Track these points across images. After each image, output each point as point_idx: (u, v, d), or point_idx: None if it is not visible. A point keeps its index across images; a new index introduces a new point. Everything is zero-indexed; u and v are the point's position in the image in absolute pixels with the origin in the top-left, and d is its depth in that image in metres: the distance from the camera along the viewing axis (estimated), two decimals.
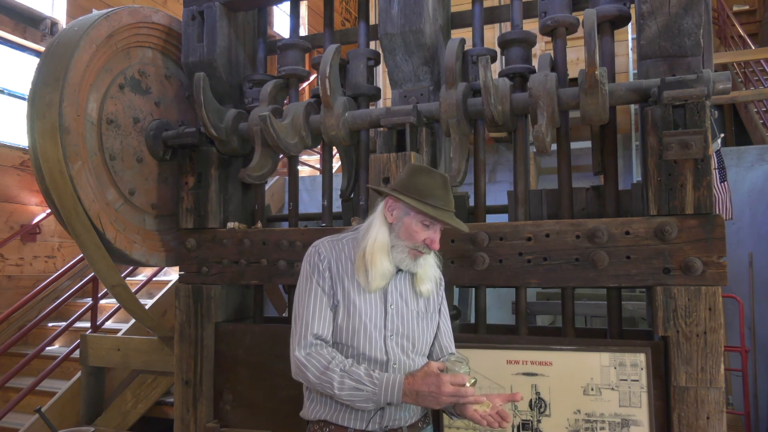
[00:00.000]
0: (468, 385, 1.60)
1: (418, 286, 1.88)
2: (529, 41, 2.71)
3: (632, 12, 2.51)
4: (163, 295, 5.04)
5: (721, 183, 4.62)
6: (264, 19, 3.33)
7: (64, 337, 4.84)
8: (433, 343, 1.96)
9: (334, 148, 3.01)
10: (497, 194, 4.60)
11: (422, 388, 1.62)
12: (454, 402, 1.63)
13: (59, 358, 4.46)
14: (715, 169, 4.42)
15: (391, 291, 1.84)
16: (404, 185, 1.79)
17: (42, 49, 5.72)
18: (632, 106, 5.66)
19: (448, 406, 1.79)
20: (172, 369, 3.00)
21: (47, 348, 4.51)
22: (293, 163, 3.11)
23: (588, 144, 4.27)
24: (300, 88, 3.54)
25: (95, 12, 2.88)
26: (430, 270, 1.91)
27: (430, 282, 1.91)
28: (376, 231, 1.80)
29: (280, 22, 10.04)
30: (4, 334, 5.04)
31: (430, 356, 1.95)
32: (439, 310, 2.00)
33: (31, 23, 5.72)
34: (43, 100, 2.61)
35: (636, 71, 3.57)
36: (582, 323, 4.90)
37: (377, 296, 1.82)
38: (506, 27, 2.98)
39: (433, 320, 1.95)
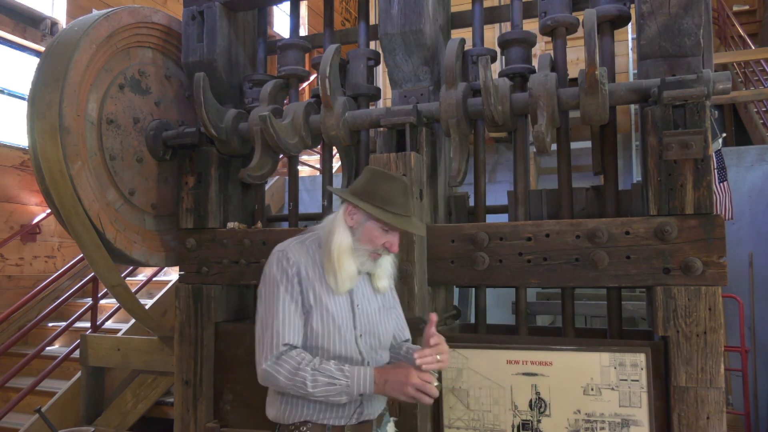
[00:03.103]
0: (435, 384, 1.72)
1: (376, 283, 1.95)
2: (529, 41, 2.71)
3: (632, 12, 2.51)
4: (163, 295, 5.03)
5: (720, 183, 4.62)
6: (264, 19, 3.33)
7: (64, 337, 4.84)
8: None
9: (334, 148, 3.02)
10: (497, 194, 4.60)
11: (391, 376, 1.71)
12: (415, 395, 1.70)
13: (59, 358, 4.46)
14: (714, 168, 4.42)
15: (355, 292, 1.90)
16: (365, 191, 1.83)
17: (42, 49, 5.72)
18: (632, 106, 5.66)
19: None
20: (172, 369, 3.00)
21: (47, 348, 4.51)
22: (293, 163, 3.11)
23: (588, 144, 4.28)
24: (300, 88, 3.54)
25: (95, 12, 2.88)
26: (386, 265, 1.95)
27: (387, 278, 1.97)
28: (340, 235, 1.83)
29: (280, 22, 10.04)
30: (4, 334, 5.04)
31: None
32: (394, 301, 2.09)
33: (31, 23, 5.71)
34: (43, 100, 2.61)
35: (636, 71, 3.57)
36: (582, 323, 4.89)
37: (345, 298, 1.86)
38: (506, 27, 2.98)
39: (391, 314, 2.02)
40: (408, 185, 1.89)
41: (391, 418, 2.04)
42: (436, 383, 1.73)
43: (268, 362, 1.75)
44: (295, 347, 1.79)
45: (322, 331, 1.79)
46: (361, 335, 1.86)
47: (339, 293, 1.84)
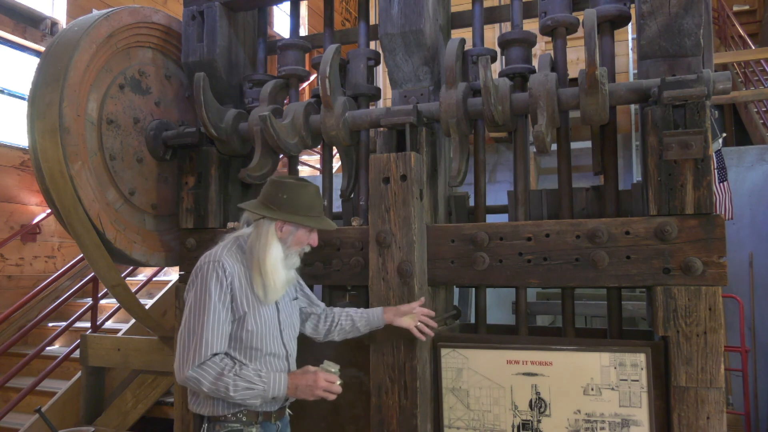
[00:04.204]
0: (337, 379, 2.00)
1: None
2: (529, 41, 2.71)
3: (632, 12, 2.51)
4: (163, 295, 5.03)
5: (720, 183, 4.62)
6: (264, 19, 3.33)
7: (64, 337, 4.84)
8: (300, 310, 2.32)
9: (334, 148, 3.02)
10: (497, 194, 4.60)
11: (301, 382, 1.96)
12: (322, 395, 1.95)
13: (59, 358, 4.46)
14: (714, 169, 4.42)
15: None
16: (288, 205, 2.04)
17: (42, 49, 5.72)
18: (632, 106, 5.66)
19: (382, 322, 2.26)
20: (172, 369, 3.00)
21: (47, 348, 4.51)
22: (293, 163, 3.11)
23: (588, 144, 4.28)
24: (300, 88, 3.54)
25: (95, 12, 2.88)
26: None
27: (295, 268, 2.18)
28: (273, 249, 2.03)
29: (280, 22, 10.04)
30: (4, 334, 5.04)
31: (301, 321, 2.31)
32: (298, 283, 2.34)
33: (31, 23, 5.71)
34: (43, 100, 2.61)
35: (636, 71, 3.57)
36: (582, 323, 4.89)
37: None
38: (506, 27, 2.98)
39: (297, 304, 2.29)
40: (317, 186, 2.15)
41: None
42: (339, 381, 1.99)
43: (194, 368, 1.90)
44: (220, 354, 1.96)
45: (257, 332, 2.00)
46: (284, 329, 2.12)
47: (268, 303, 2.04)
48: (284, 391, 1.94)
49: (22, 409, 4.26)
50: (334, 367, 2.02)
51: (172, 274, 5.58)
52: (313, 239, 2.15)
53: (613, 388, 2.30)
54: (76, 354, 4.29)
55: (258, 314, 2.01)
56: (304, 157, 7.86)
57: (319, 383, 1.95)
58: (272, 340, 2.05)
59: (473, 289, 2.78)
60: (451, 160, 2.64)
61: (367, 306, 2.64)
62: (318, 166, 7.54)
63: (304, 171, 7.63)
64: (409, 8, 2.57)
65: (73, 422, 4.16)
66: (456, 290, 3.93)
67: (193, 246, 2.94)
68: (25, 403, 4.25)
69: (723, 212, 4.59)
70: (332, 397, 1.98)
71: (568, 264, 2.34)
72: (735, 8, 11.31)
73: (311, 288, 3.24)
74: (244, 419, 2.00)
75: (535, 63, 2.66)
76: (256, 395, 1.91)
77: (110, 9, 2.86)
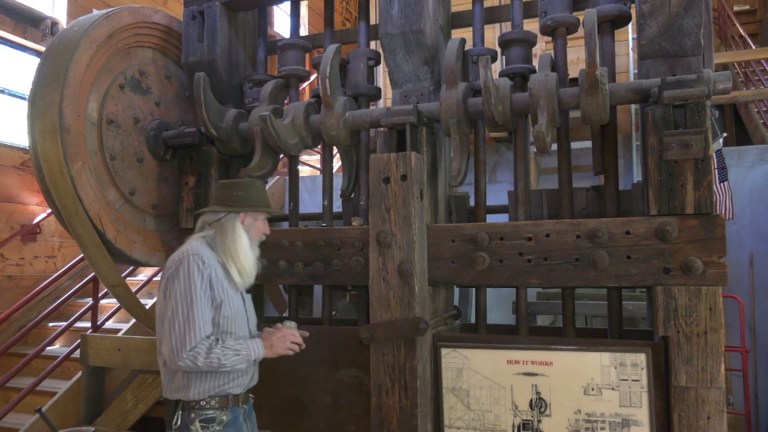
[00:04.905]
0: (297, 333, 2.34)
1: None
2: (529, 41, 2.71)
3: (632, 12, 2.51)
4: None
5: (721, 183, 4.62)
6: (264, 19, 3.33)
7: (64, 337, 4.83)
8: None
9: (334, 148, 3.02)
10: (497, 194, 4.59)
11: (272, 338, 2.28)
12: (292, 347, 2.29)
13: (59, 358, 4.46)
14: (715, 168, 4.42)
15: None
16: (245, 199, 2.30)
17: (42, 49, 5.71)
18: (633, 106, 5.65)
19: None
20: None
21: (47, 348, 4.51)
22: (293, 163, 3.11)
23: (588, 144, 4.28)
24: (300, 88, 3.54)
25: (95, 12, 2.88)
26: None
27: None
28: (243, 240, 2.28)
29: (281, 22, 10.04)
30: (4, 334, 5.03)
31: None
32: None
33: (31, 23, 5.71)
34: (44, 100, 2.61)
35: (636, 71, 3.57)
36: (582, 323, 4.89)
37: (238, 291, 2.32)
38: (506, 27, 2.98)
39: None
40: (263, 182, 2.53)
41: None
42: (293, 324, 2.36)
43: (188, 350, 2.08)
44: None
45: (231, 317, 2.22)
46: (249, 317, 2.36)
47: (244, 287, 2.31)
48: (263, 351, 2.23)
49: (23, 409, 4.26)
50: (293, 324, 2.37)
51: None
52: (266, 228, 2.41)
53: (613, 388, 2.30)
54: (77, 354, 4.29)
55: (231, 301, 2.24)
56: (304, 157, 7.86)
57: (287, 337, 2.28)
58: (242, 325, 2.29)
59: (473, 289, 2.78)
60: (451, 160, 2.64)
61: (367, 306, 2.65)
62: (318, 166, 7.53)
63: (304, 171, 7.63)
64: (410, 8, 2.57)
65: (73, 422, 4.15)
66: (456, 290, 3.93)
67: None
68: (26, 403, 4.24)
69: (723, 212, 4.59)
70: (298, 346, 2.29)
71: (568, 264, 2.34)
72: (735, 8, 11.31)
73: (311, 288, 3.25)
74: (216, 405, 2.19)
75: (535, 63, 2.66)
76: (242, 360, 2.16)
77: (110, 9, 2.86)
